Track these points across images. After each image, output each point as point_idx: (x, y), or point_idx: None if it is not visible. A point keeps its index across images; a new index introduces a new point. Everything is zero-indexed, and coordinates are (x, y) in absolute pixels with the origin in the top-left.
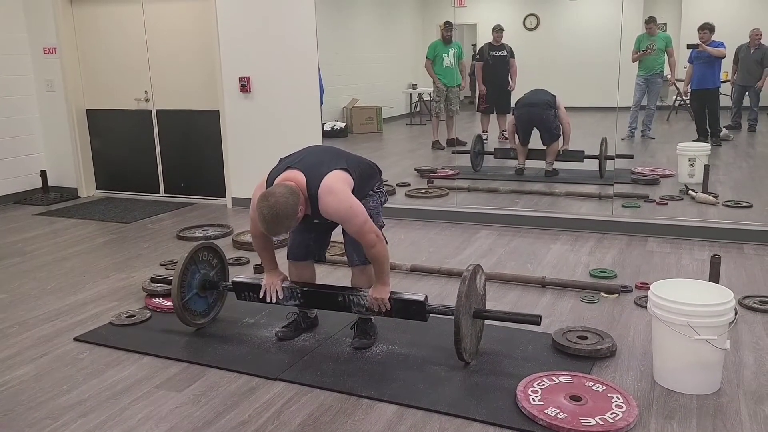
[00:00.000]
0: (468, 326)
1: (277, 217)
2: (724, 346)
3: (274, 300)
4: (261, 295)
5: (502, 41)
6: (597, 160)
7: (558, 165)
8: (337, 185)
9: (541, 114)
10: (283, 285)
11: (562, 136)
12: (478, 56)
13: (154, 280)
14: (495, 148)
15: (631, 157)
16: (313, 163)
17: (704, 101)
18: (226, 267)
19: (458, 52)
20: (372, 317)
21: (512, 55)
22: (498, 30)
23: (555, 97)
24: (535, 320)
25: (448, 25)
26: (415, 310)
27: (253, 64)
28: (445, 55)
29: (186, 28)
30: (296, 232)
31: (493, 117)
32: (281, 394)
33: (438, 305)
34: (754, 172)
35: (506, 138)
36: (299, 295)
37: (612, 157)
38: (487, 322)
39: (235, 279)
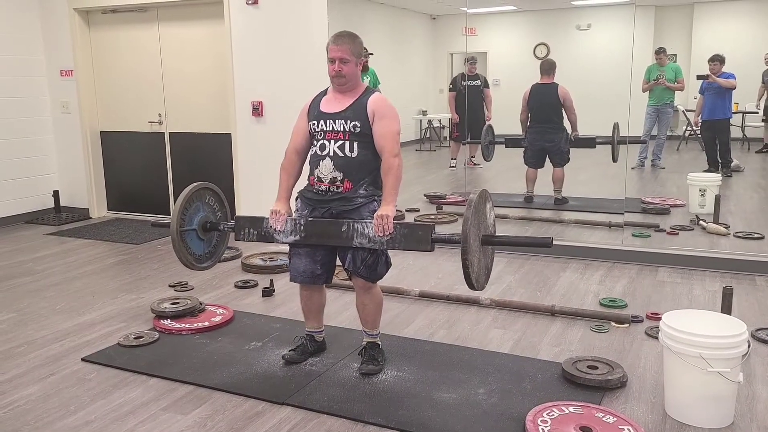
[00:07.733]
0: (476, 251)
1: (348, 32)
2: (737, 378)
3: (277, 227)
4: (264, 225)
5: (477, 72)
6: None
7: (567, 188)
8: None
9: (553, 137)
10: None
11: (571, 129)
12: (451, 86)
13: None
14: (506, 138)
15: (644, 142)
16: None
17: (715, 132)
18: (227, 214)
19: (372, 80)
20: (379, 342)
21: (486, 85)
22: (472, 62)
23: (557, 87)
24: (546, 243)
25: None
26: (421, 236)
27: (265, 89)
28: None
29: (200, 52)
30: (301, 254)
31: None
32: (288, 419)
33: (444, 234)
34: (765, 203)
35: (475, 164)
36: (302, 228)
37: (625, 141)
38: (497, 349)
39: (237, 215)
